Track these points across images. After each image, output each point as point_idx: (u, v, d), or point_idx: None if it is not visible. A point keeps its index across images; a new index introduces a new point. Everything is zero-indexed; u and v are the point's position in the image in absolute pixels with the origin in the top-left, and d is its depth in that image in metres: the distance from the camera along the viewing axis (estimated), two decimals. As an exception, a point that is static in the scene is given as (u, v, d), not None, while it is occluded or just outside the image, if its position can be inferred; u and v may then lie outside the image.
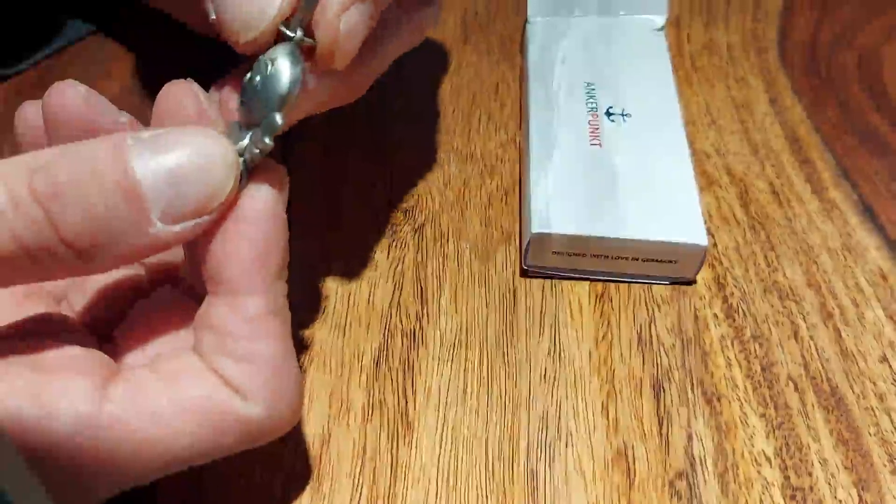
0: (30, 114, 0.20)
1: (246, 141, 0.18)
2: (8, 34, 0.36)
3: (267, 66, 0.18)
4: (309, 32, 0.18)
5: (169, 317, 0.20)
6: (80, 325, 0.21)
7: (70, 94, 0.19)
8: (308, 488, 0.22)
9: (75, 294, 0.21)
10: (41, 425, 0.16)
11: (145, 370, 0.18)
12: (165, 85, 0.19)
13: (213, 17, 0.19)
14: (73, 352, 0.18)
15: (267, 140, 0.17)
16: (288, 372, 0.18)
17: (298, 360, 0.19)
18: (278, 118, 0.17)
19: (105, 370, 0.18)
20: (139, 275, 0.22)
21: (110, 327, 0.21)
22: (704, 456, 0.22)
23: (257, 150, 0.18)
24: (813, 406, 0.24)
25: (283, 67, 0.18)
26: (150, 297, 0.21)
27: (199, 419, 0.17)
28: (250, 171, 0.18)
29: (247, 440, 0.18)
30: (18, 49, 0.36)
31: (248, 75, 0.19)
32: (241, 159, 0.18)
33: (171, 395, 0.17)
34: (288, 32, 0.18)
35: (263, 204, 0.18)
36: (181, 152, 0.16)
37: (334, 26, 0.18)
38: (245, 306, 0.18)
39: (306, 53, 0.19)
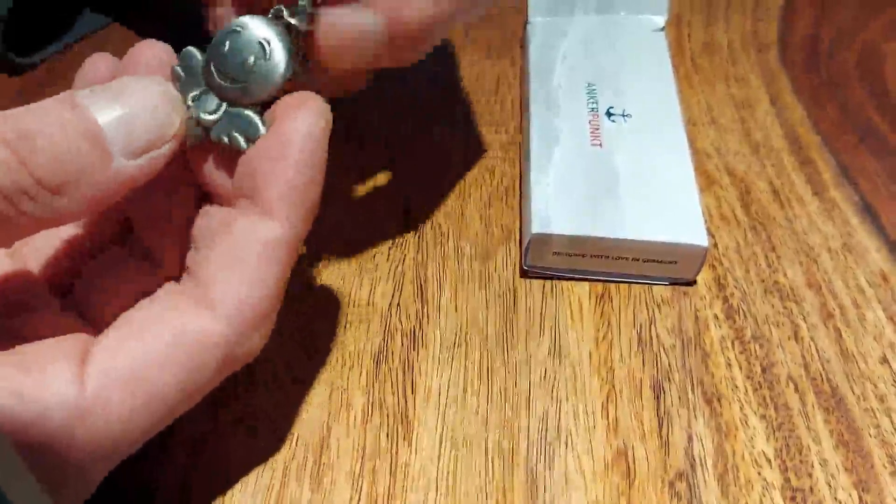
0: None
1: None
2: (21, 28, 0.36)
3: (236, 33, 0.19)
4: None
5: (126, 275, 0.21)
6: (39, 280, 0.21)
7: (102, 67, 0.20)
8: (308, 487, 0.22)
9: (23, 246, 0.22)
10: (32, 423, 0.16)
11: (113, 334, 0.18)
12: (139, 42, 0.20)
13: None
14: (46, 332, 0.18)
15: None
16: (270, 302, 0.18)
17: (298, 359, 0.19)
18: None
19: (80, 347, 0.18)
20: (85, 233, 0.22)
21: (66, 283, 0.21)
22: (704, 457, 0.22)
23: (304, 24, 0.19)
24: (813, 407, 0.24)
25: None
26: (102, 257, 0.21)
27: (174, 361, 0.17)
28: (301, 58, 0.19)
29: (224, 365, 0.18)
30: (31, 42, 0.36)
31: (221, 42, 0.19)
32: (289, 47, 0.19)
33: (144, 350, 0.17)
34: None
35: (309, 130, 0.18)
36: (130, 98, 0.18)
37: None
38: (267, 228, 0.18)
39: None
